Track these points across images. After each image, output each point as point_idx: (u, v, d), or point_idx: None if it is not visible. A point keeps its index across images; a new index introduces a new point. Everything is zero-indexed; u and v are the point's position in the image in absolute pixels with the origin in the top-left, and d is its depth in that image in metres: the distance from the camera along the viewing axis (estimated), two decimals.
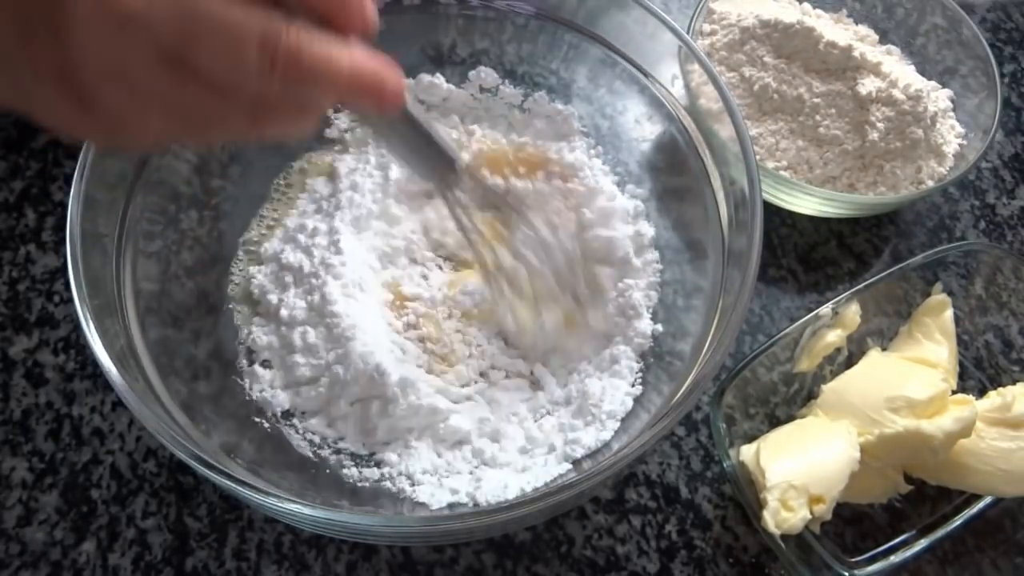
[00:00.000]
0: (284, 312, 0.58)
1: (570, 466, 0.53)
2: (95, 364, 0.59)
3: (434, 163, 0.47)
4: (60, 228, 0.48)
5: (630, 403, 0.56)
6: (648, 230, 0.62)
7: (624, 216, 0.62)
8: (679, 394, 0.48)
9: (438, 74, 0.67)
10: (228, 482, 0.42)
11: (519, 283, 0.57)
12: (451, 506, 0.52)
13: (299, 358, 0.56)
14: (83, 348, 0.61)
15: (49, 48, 0.30)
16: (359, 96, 0.35)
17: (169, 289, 0.56)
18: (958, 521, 0.58)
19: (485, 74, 0.67)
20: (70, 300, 0.46)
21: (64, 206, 0.48)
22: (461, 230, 0.54)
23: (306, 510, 0.43)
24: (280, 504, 0.43)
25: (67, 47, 0.30)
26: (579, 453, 0.54)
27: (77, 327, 0.61)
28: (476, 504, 0.51)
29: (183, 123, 0.33)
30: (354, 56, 0.33)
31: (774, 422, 0.60)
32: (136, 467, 0.57)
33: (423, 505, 0.52)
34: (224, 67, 0.31)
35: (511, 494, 0.51)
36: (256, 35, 0.31)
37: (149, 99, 0.32)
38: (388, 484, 0.53)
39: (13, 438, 0.58)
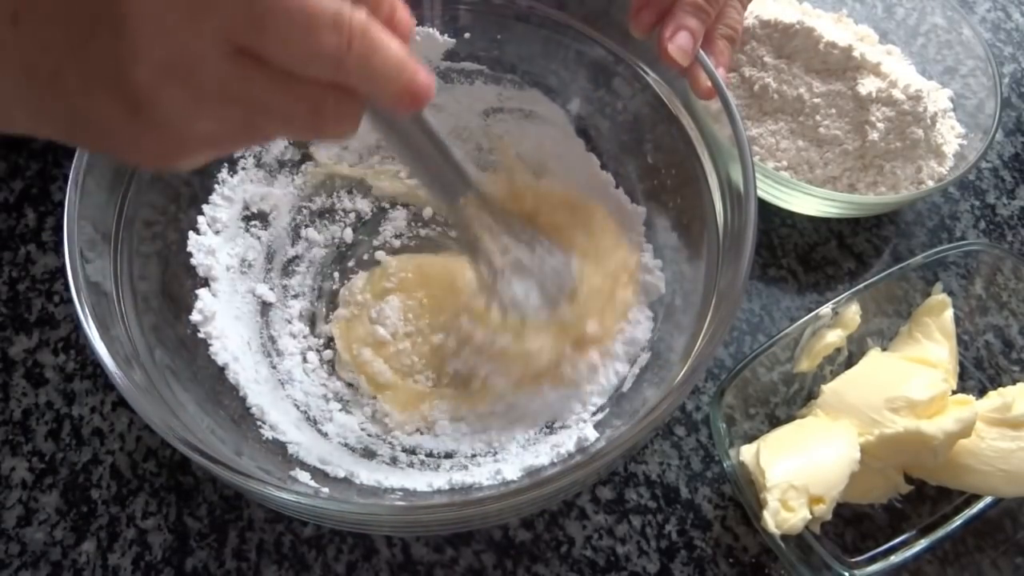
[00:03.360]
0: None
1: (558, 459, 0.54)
2: (95, 364, 0.59)
3: (448, 180, 0.47)
4: (60, 228, 0.48)
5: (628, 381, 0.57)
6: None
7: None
8: (674, 384, 0.48)
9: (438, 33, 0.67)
10: (234, 476, 0.42)
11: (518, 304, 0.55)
12: (441, 492, 0.52)
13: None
14: (83, 348, 0.61)
15: (106, 48, 0.28)
16: (399, 87, 0.32)
17: (169, 289, 0.56)
18: (958, 521, 0.58)
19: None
20: (70, 300, 0.46)
21: (64, 206, 0.48)
22: (470, 247, 0.53)
23: (311, 501, 0.43)
24: (285, 496, 0.43)
25: (127, 43, 0.28)
26: (571, 444, 0.54)
27: (77, 327, 0.62)
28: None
29: (239, 124, 0.31)
30: (402, 46, 0.32)
31: (774, 422, 0.60)
32: (136, 467, 0.57)
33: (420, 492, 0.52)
34: (298, 52, 0.29)
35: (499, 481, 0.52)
36: (331, 15, 0.29)
37: (209, 96, 0.30)
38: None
39: (13, 438, 0.58)
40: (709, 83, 0.52)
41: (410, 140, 0.43)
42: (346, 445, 0.57)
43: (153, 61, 0.28)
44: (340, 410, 0.59)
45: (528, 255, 0.55)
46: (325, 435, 0.57)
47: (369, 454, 0.56)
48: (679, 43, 0.51)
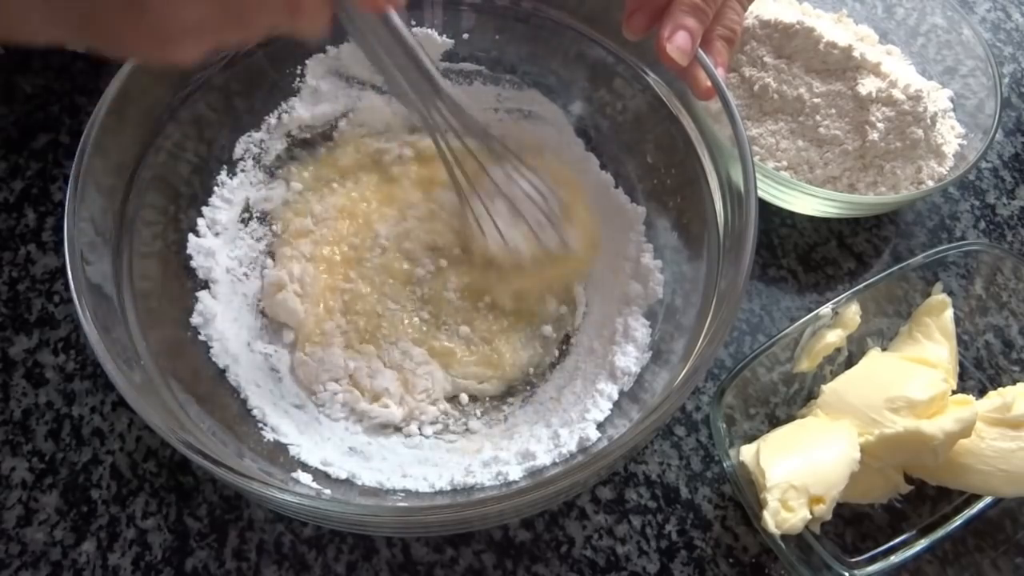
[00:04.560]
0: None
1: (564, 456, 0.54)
2: (95, 364, 0.59)
3: (418, 85, 0.48)
4: (60, 228, 0.48)
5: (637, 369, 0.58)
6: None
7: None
8: (675, 385, 0.48)
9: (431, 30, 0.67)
10: (236, 478, 0.43)
11: (497, 209, 0.57)
12: (442, 493, 0.52)
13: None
14: (83, 348, 0.61)
15: None
16: None
17: (169, 290, 0.56)
18: (958, 521, 0.58)
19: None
20: (70, 300, 0.46)
21: (64, 206, 0.48)
22: (441, 155, 0.55)
23: (313, 503, 0.43)
24: (287, 498, 0.43)
25: None
26: (573, 444, 0.54)
27: (77, 327, 0.62)
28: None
29: (221, 11, 0.34)
30: None
31: (774, 422, 0.60)
32: (136, 467, 0.57)
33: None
34: None
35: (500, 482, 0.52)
36: None
37: None
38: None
39: (13, 438, 0.58)
40: (708, 83, 0.52)
41: (379, 42, 0.45)
42: (348, 446, 0.57)
43: None
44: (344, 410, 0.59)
45: (512, 173, 0.56)
46: (328, 437, 0.57)
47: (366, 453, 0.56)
48: (678, 43, 0.50)
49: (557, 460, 0.53)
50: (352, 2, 0.39)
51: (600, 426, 0.55)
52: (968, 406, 0.55)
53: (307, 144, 0.66)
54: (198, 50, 0.36)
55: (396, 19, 0.43)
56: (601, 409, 0.56)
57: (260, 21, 0.36)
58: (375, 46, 0.45)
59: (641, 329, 0.59)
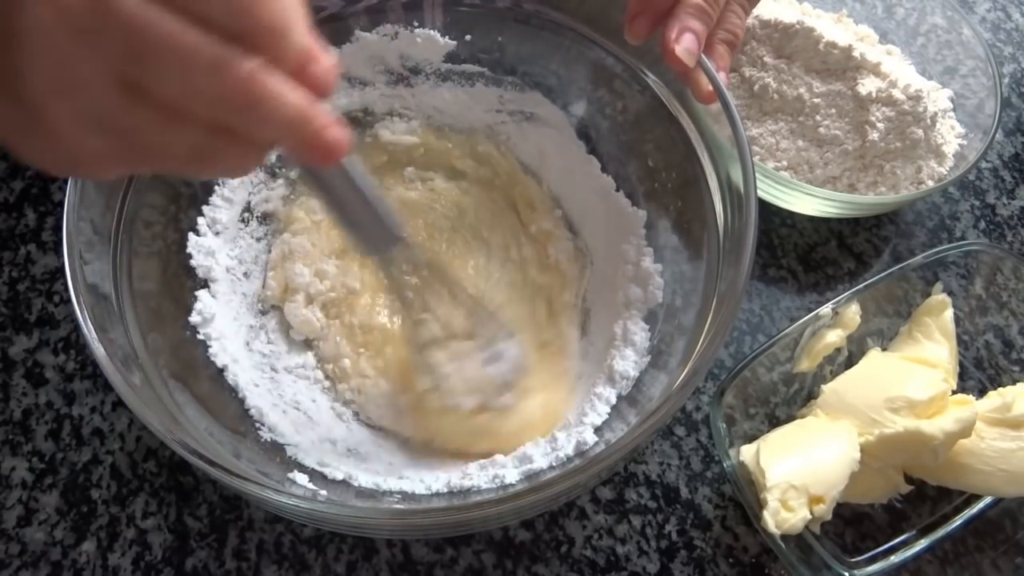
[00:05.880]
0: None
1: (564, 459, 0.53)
2: (95, 364, 0.59)
3: (373, 234, 0.44)
4: (60, 228, 0.48)
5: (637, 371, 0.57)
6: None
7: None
8: (675, 387, 0.48)
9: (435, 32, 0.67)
10: (232, 479, 0.43)
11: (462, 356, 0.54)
12: (439, 495, 0.52)
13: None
14: (83, 348, 0.61)
15: (4, 58, 0.29)
16: (301, 139, 0.32)
17: (169, 290, 0.56)
18: (958, 521, 0.58)
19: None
20: (70, 300, 0.46)
21: (64, 206, 0.48)
22: (400, 301, 0.52)
23: (309, 505, 0.43)
24: (283, 500, 0.43)
25: (19, 55, 0.29)
26: (570, 448, 0.54)
27: (77, 327, 0.61)
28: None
29: (127, 149, 0.32)
30: (304, 98, 0.32)
31: (774, 422, 0.60)
32: (136, 467, 0.57)
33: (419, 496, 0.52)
34: (175, 90, 0.30)
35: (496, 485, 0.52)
36: (208, 59, 0.29)
37: (95, 119, 0.30)
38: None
39: (13, 438, 0.58)
40: (710, 87, 0.52)
41: (329, 187, 0.40)
42: (348, 448, 0.57)
43: (43, 75, 0.29)
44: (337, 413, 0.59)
45: (466, 329, 0.53)
46: (332, 440, 0.57)
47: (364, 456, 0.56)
48: (685, 45, 0.50)
49: (554, 464, 0.53)
50: (294, 156, 0.34)
51: (598, 430, 0.55)
52: (968, 406, 0.55)
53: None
54: (109, 174, 0.34)
55: (353, 167, 0.39)
56: (599, 413, 0.56)
57: (167, 163, 0.33)
58: (324, 189, 0.40)
59: (640, 333, 0.59)
